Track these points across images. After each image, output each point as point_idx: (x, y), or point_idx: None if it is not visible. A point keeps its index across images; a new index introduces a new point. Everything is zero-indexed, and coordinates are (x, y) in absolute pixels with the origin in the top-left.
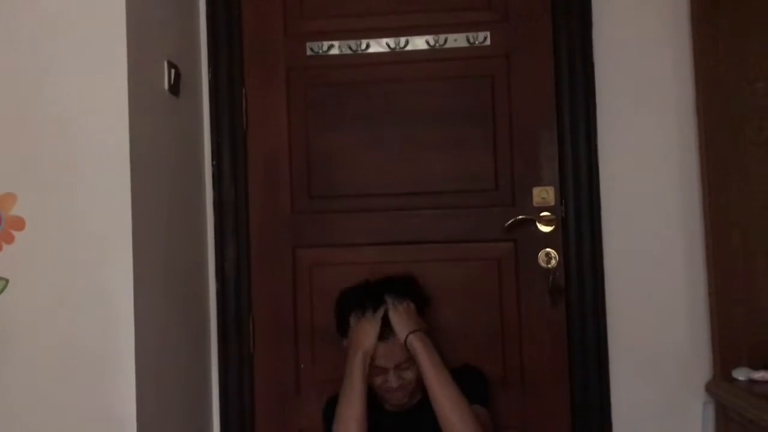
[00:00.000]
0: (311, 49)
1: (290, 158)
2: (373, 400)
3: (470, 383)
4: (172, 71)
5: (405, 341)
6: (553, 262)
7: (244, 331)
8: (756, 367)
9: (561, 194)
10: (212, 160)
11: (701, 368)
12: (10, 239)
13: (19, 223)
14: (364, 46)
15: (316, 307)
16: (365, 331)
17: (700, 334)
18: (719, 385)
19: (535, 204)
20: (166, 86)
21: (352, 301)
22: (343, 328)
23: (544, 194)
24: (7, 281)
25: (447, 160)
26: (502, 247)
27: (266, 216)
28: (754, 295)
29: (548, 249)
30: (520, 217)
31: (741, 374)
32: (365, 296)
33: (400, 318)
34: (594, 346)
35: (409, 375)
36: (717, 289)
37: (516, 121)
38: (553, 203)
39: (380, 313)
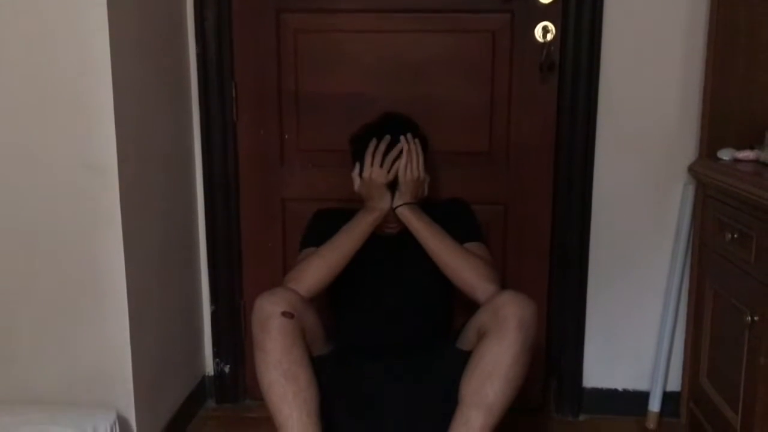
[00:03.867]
0: None
1: None
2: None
3: (462, 220)
4: None
5: (394, 210)
6: (549, 36)
7: (226, 98)
8: (742, 149)
9: None
10: None
11: (686, 151)
12: None
13: None
14: None
15: (301, 76)
16: (381, 192)
17: (689, 117)
18: (703, 164)
19: None
20: None
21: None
22: (359, 154)
23: None
24: None
25: None
26: (498, 18)
27: None
28: (749, 78)
29: (546, 22)
30: None
31: (725, 154)
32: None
33: (405, 182)
34: (583, 124)
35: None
36: (713, 71)
37: None
38: None
39: (393, 161)
